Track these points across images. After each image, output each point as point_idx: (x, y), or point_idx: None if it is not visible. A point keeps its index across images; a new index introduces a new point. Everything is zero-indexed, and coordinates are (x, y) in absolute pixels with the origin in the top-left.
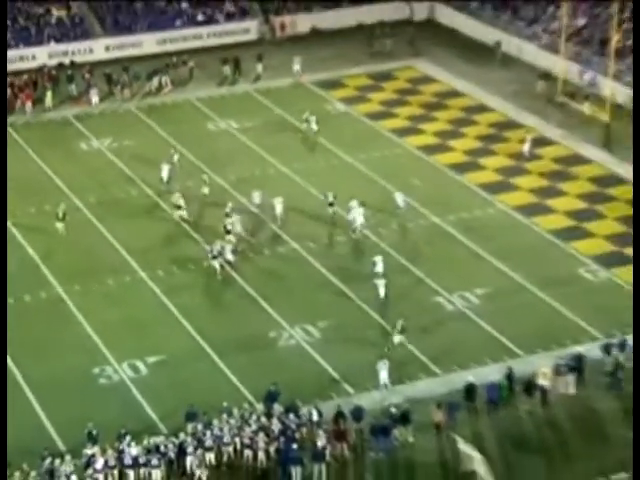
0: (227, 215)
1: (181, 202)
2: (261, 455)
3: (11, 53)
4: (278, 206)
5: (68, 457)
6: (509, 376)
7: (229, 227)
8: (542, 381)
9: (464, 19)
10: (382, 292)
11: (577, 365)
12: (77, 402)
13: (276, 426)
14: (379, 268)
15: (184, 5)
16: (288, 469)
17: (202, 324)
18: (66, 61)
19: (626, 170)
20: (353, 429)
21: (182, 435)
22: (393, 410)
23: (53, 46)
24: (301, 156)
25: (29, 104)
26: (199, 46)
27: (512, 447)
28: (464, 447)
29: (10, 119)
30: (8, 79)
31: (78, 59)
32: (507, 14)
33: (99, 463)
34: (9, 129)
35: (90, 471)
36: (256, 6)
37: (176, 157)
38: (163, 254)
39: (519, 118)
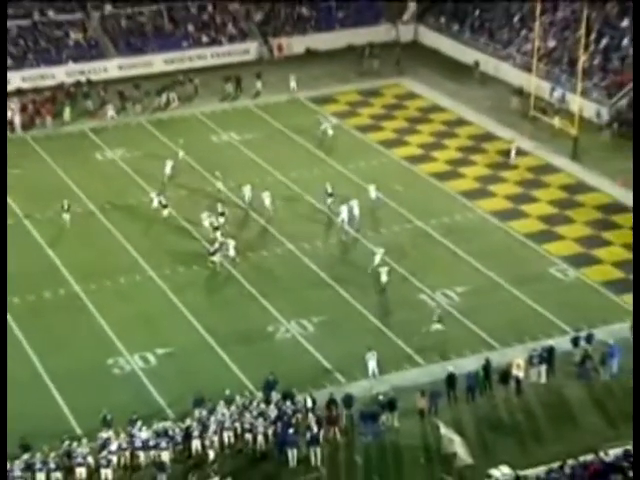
0: (221, 214)
1: (163, 201)
2: (260, 439)
3: (33, 72)
4: (266, 200)
5: (85, 440)
6: (486, 367)
7: (215, 224)
8: (516, 371)
9: (446, 41)
10: (384, 278)
11: (548, 356)
12: (93, 390)
13: (273, 412)
14: (378, 258)
15: (190, 28)
16: (285, 451)
17: (206, 319)
18: (83, 79)
19: (592, 178)
20: (344, 415)
21: (188, 420)
22: (380, 397)
23: (71, 66)
24: (297, 165)
25: (49, 118)
26: (203, 65)
27: (489, 430)
28: (445, 431)
29: (32, 132)
30: (30, 96)
31: (94, 77)
32: (484, 37)
33: (113, 446)
34: (31, 141)
35: (104, 453)
36: (255, 29)
37: (181, 154)
38: (169, 255)
39: (496, 131)
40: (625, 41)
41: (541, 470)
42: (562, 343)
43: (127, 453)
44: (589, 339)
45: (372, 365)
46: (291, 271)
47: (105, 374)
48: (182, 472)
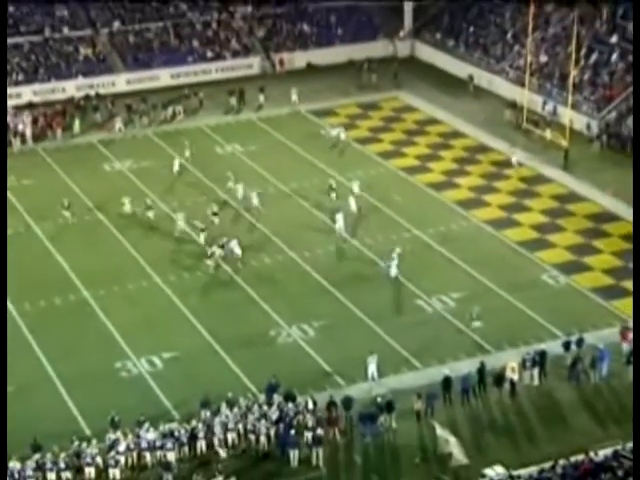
0: (214, 214)
1: (150, 203)
2: (263, 439)
3: (44, 86)
4: (254, 200)
5: (94, 441)
6: (481, 370)
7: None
8: (510, 374)
9: (441, 56)
10: (394, 272)
11: (540, 360)
12: (101, 393)
13: (275, 413)
14: (394, 255)
15: (195, 44)
16: (286, 451)
17: (210, 324)
18: (92, 93)
19: (583, 188)
20: (344, 416)
21: (194, 422)
22: (379, 399)
23: (81, 80)
24: (298, 175)
25: (59, 131)
26: (208, 79)
27: (483, 431)
28: (441, 432)
29: (43, 144)
30: (41, 109)
31: (102, 91)
32: (479, 52)
33: (121, 446)
34: (42, 152)
35: (112, 453)
36: (258, 44)
37: (187, 152)
38: (174, 261)
39: (489, 143)
40: (614, 56)
41: (534, 470)
42: (554, 347)
43: (134, 453)
44: (579, 343)
45: (372, 368)
46: (293, 277)
47: (113, 377)
48: (187, 472)
